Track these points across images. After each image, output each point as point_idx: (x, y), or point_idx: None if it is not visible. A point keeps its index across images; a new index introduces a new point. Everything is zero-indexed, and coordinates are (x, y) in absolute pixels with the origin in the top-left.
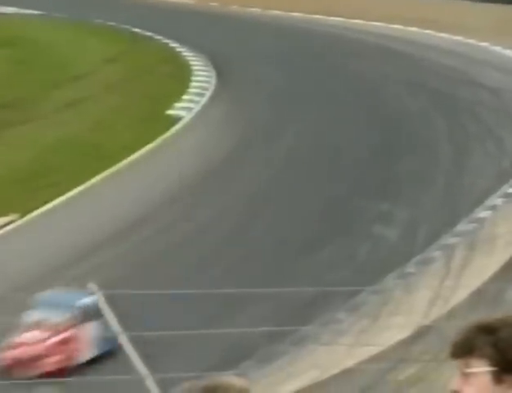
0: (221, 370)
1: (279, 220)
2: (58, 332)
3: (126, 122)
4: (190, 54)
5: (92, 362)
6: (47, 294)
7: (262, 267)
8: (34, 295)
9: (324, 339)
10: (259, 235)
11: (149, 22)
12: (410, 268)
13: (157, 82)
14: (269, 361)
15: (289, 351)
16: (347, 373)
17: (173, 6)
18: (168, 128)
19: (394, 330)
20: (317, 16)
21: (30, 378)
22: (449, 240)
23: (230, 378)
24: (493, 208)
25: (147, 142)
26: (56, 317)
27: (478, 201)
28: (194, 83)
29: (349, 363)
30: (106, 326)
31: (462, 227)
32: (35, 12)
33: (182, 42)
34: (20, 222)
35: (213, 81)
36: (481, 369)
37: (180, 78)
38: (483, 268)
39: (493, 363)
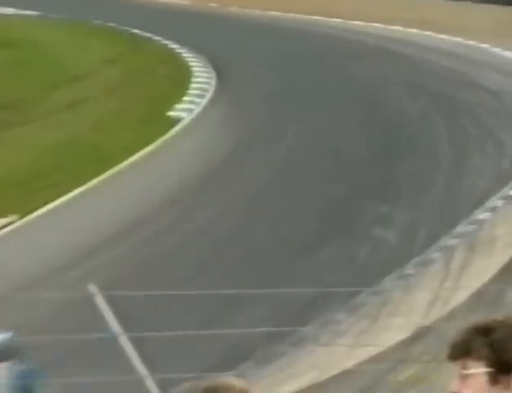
0: (220, 371)
1: (278, 222)
2: None
3: (126, 123)
4: (190, 55)
5: None
6: None
7: (261, 268)
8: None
9: (323, 340)
10: (258, 236)
11: (148, 23)
12: (409, 269)
13: (157, 83)
14: (268, 362)
15: (288, 352)
16: (346, 374)
17: (173, 7)
18: (168, 130)
19: (394, 331)
20: (317, 17)
21: None
22: (448, 241)
23: (229, 379)
24: (493, 210)
25: (147, 144)
26: None
27: (478, 203)
28: (194, 85)
29: (349, 363)
30: (25, 366)
31: (462, 228)
32: (34, 13)
33: (182, 43)
34: (19, 223)
35: (213, 82)
36: (477, 370)
37: (180, 79)
38: (483, 270)
39: (489, 363)
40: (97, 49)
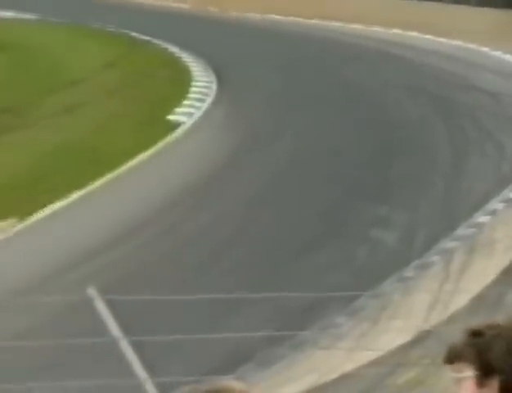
0: (220, 374)
1: (277, 224)
2: None
3: (125, 127)
4: (190, 59)
5: None
6: None
7: (261, 270)
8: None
9: (323, 343)
10: (258, 238)
11: (148, 27)
12: (409, 272)
13: (157, 87)
14: (268, 365)
15: (287, 355)
16: (345, 378)
17: (173, 11)
18: (168, 134)
19: (393, 334)
20: (317, 21)
21: None
22: (448, 244)
23: (229, 382)
24: (493, 213)
25: (147, 147)
26: None
27: (478, 206)
28: (194, 88)
29: (348, 367)
30: None
31: (461, 231)
32: (33, 17)
33: (182, 46)
34: (18, 226)
35: (214, 86)
36: (466, 374)
37: (180, 82)
38: (483, 273)
39: (476, 367)
40: (97, 53)
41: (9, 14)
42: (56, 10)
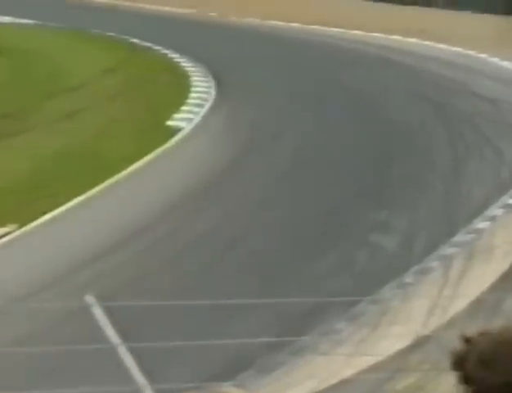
0: (220, 380)
1: (277, 229)
2: None
3: (125, 133)
4: (190, 64)
5: None
6: None
7: (260, 275)
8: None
9: (322, 349)
10: (257, 243)
11: (147, 32)
12: (408, 278)
13: (156, 92)
14: (267, 371)
15: (287, 361)
16: (345, 383)
17: (172, 16)
18: (167, 139)
19: (393, 339)
20: (316, 27)
21: None
22: (447, 250)
23: (229, 388)
24: (492, 218)
25: (147, 153)
26: None
27: (477, 211)
28: (193, 94)
29: (347, 372)
30: None
31: (460, 237)
32: (31, 22)
33: (181, 52)
34: (18, 232)
35: (213, 92)
36: (455, 381)
37: (179, 88)
38: (482, 279)
39: (457, 375)
40: (96, 58)
41: (7, 19)
42: (55, 15)
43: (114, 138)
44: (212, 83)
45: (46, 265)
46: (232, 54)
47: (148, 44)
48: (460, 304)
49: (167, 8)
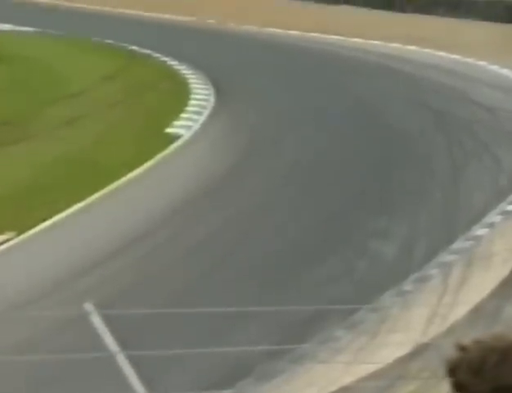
0: (219, 388)
1: (276, 236)
2: None
3: (124, 140)
4: (189, 72)
5: None
6: None
7: (259, 282)
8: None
9: (322, 357)
10: (257, 250)
11: (146, 40)
12: (407, 285)
13: (156, 100)
14: (267, 379)
15: (286, 369)
16: (345, 391)
17: (171, 23)
18: (166, 146)
19: (392, 347)
20: (315, 35)
21: None
22: (446, 257)
23: None
24: (491, 225)
25: (146, 160)
26: None
27: (476, 218)
28: (193, 101)
29: (347, 380)
30: None
31: (459, 244)
32: (31, 29)
33: (181, 59)
34: (16, 240)
35: (212, 99)
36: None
37: (179, 95)
38: (481, 286)
39: (453, 381)
40: (95, 66)
41: (6, 26)
42: (54, 23)
43: (114, 145)
44: (211, 91)
45: (45, 272)
46: (231, 61)
47: (147, 51)
48: (460, 311)
49: (166, 16)
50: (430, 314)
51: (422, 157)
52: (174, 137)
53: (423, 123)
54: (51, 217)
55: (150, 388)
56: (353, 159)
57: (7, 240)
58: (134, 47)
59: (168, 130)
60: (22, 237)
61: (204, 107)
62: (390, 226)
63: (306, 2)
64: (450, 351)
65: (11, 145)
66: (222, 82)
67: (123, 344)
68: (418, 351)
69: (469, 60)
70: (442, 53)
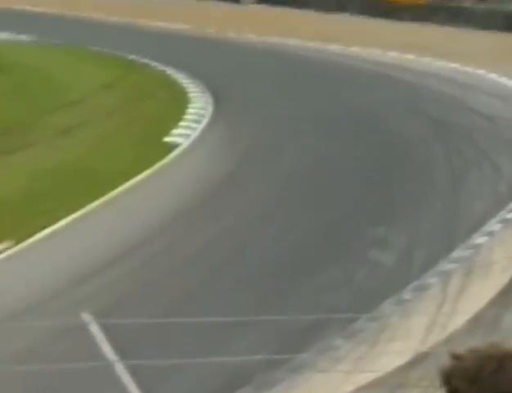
0: None
1: (274, 245)
2: None
3: (122, 148)
4: (188, 81)
5: None
6: None
7: (258, 291)
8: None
9: (321, 366)
10: (255, 259)
11: (145, 49)
12: (407, 294)
13: (154, 108)
14: (266, 388)
15: (286, 378)
16: None
17: (169, 32)
18: (165, 155)
19: (392, 356)
20: (314, 44)
21: None
22: (446, 266)
23: None
24: (490, 234)
25: (144, 169)
26: None
27: (475, 227)
28: (191, 110)
29: (346, 389)
30: None
31: (459, 253)
32: (28, 38)
33: (179, 68)
34: (14, 249)
35: (210, 108)
36: None
37: (177, 104)
38: (480, 294)
39: (447, 390)
40: (93, 74)
41: (3, 34)
42: (52, 31)
43: (112, 154)
44: (209, 100)
45: (43, 281)
46: (230, 70)
47: (145, 60)
48: (459, 320)
49: (163, 24)
50: (430, 323)
51: (422, 165)
52: (173, 146)
53: (422, 131)
54: (49, 225)
55: None
56: (353, 167)
57: (6, 249)
58: (132, 56)
59: (167, 139)
60: (20, 245)
61: (202, 116)
62: (389, 235)
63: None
64: (446, 360)
65: (10, 154)
66: (221, 91)
67: (121, 353)
68: (417, 360)
69: (468, 68)
70: (441, 62)
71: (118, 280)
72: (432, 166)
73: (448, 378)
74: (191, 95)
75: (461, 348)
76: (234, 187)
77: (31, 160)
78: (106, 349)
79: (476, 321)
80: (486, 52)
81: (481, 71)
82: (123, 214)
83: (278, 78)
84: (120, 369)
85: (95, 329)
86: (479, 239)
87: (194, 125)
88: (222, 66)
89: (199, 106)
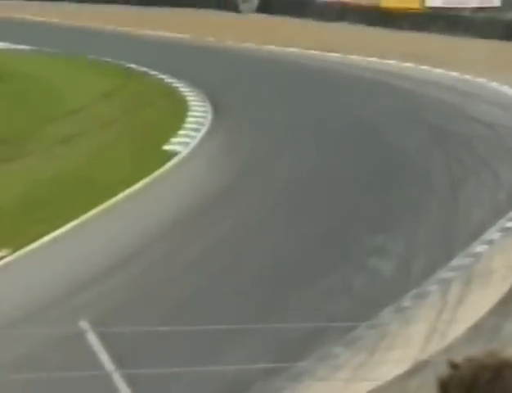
0: None
1: (273, 254)
2: None
3: (122, 157)
4: (187, 89)
5: None
6: None
7: (256, 299)
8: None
9: (320, 374)
10: (254, 267)
11: (144, 57)
12: (406, 302)
13: (153, 117)
14: None
15: (285, 387)
16: None
17: (169, 41)
18: (164, 163)
19: (391, 364)
20: (313, 52)
21: None
22: (445, 274)
23: None
24: (490, 242)
25: (143, 177)
26: None
27: (475, 235)
28: (190, 119)
29: None
30: None
31: (458, 261)
32: (27, 47)
33: (178, 77)
34: (12, 257)
35: (210, 116)
36: None
37: (176, 113)
38: (480, 303)
39: None
40: (93, 83)
41: (2, 44)
42: (51, 41)
43: (111, 162)
44: (209, 108)
45: (41, 289)
46: (229, 79)
47: (144, 69)
48: (459, 329)
49: (161, 33)
50: (429, 331)
51: (421, 173)
52: (172, 154)
53: (422, 139)
54: (47, 233)
55: None
56: (352, 175)
57: (3, 257)
58: (131, 65)
59: (166, 147)
60: (18, 253)
61: (201, 124)
62: (388, 242)
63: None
64: (444, 368)
65: (8, 163)
66: (220, 99)
67: (119, 362)
68: (417, 368)
69: (468, 77)
70: (440, 70)
71: (115, 288)
72: (431, 174)
73: (445, 387)
74: (191, 103)
75: (460, 356)
76: (232, 196)
77: (30, 169)
78: (104, 357)
79: (476, 330)
80: (485, 61)
81: (481, 79)
82: (122, 222)
83: (278, 86)
84: (118, 378)
85: (92, 338)
86: (479, 247)
87: (193, 134)
88: (221, 75)
89: (198, 114)
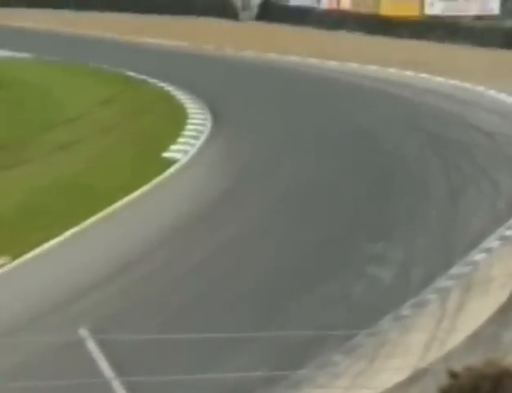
0: None
1: (272, 262)
2: None
3: (121, 164)
4: (186, 97)
5: None
6: None
7: (255, 307)
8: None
9: (320, 382)
10: (252, 275)
11: (143, 65)
12: (405, 310)
13: (152, 124)
14: None
15: None
16: None
17: (168, 49)
18: (163, 171)
19: (391, 372)
20: (312, 60)
21: None
22: (444, 282)
23: None
24: (489, 250)
25: (142, 184)
26: None
27: (474, 243)
28: (189, 126)
29: None
30: None
31: (457, 269)
32: (27, 55)
33: (177, 85)
34: (11, 265)
35: (209, 124)
36: None
37: (175, 120)
38: (479, 311)
39: None
40: (92, 91)
41: (1, 52)
42: (51, 48)
43: (110, 170)
44: (208, 116)
45: (40, 296)
46: (228, 86)
47: (143, 77)
48: (458, 337)
49: (160, 41)
50: (428, 340)
51: (420, 181)
52: (171, 162)
53: (421, 147)
54: (46, 241)
55: None
56: (352, 183)
57: (2, 265)
58: (130, 73)
59: (165, 154)
60: (17, 261)
61: (201, 132)
62: (387, 251)
63: None
64: (444, 377)
65: (7, 170)
66: (219, 107)
67: (119, 369)
68: (416, 376)
69: (467, 85)
70: (439, 79)
71: (115, 295)
72: (430, 182)
73: None
74: (190, 111)
75: (460, 365)
76: (231, 203)
77: (29, 176)
78: (103, 365)
79: (475, 338)
80: (485, 69)
81: (480, 88)
82: (121, 230)
83: (277, 94)
84: (117, 386)
85: (92, 345)
86: (478, 256)
87: (192, 141)
88: (220, 82)
89: (197, 122)
